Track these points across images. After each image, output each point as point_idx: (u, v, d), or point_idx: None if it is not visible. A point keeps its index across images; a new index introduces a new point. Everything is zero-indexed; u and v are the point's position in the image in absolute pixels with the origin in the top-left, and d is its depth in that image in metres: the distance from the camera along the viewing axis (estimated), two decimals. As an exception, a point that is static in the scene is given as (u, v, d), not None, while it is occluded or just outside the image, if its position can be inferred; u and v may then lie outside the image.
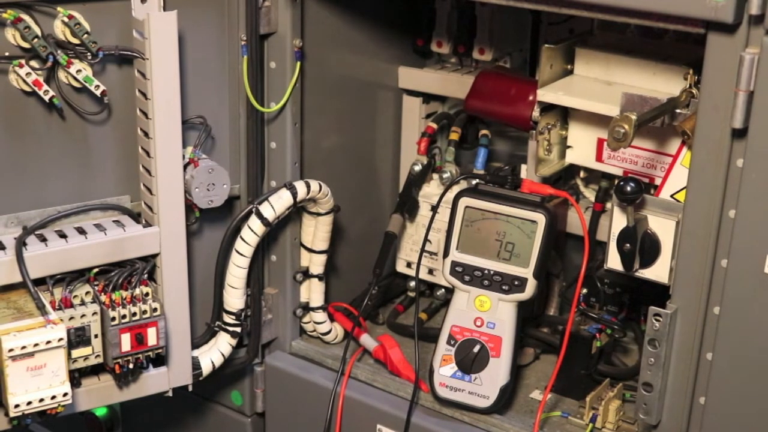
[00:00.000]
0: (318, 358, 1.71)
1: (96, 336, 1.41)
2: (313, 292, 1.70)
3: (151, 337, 1.43)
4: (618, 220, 1.37)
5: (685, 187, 1.28)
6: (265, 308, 1.69)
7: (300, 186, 1.57)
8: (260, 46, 1.55)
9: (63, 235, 1.40)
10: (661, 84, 1.43)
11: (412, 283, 1.81)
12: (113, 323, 1.39)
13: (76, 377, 1.43)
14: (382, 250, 1.68)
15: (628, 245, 1.37)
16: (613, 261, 1.40)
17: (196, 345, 1.59)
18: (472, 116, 1.74)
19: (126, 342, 1.41)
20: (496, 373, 1.51)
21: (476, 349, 1.51)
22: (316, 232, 1.65)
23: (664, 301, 1.32)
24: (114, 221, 1.47)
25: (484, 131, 1.74)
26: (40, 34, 1.27)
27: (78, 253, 1.40)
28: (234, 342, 1.62)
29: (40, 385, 1.30)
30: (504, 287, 1.50)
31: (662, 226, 1.36)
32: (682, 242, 1.29)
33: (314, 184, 1.58)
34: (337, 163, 1.73)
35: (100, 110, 1.42)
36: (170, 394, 1.55)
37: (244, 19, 1.51)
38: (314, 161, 1.67)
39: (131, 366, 1.44)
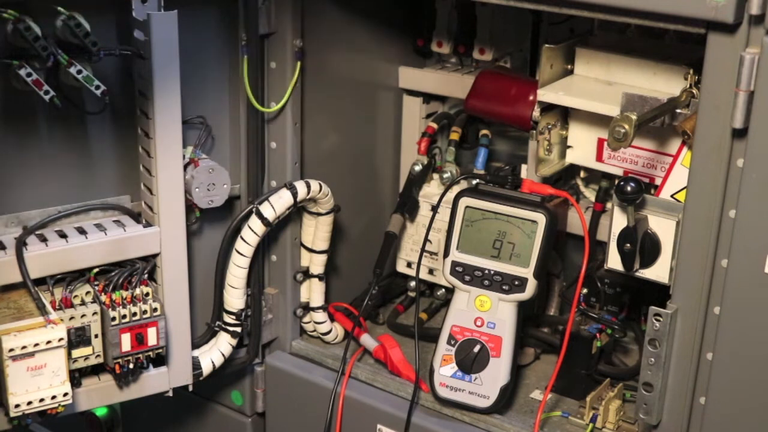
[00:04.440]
0: (318, 358, 1.71)
1: (96, 336, 1.41)
2: (313, 292, 1.70)
3: (152, 337, 1.43)
4: (618, 220, 1.37)
5: (685, 187, 1.28)
6: (265, 308, 1.69)
7: (300, 186, 1.57)
8: (260, 46, 1.55)
9: (63, 235, 1.40)
10: (662, 84, 1.43)
11: (413, 283, 1.81)
12: (113, 323, 1.39)
13: (76, 377, 1.43)
14: (383, 250, 1.68)
15: (628, 245, 1.37)
16: (614, 261, 1.40)
17: (196, 345, 1.59)
18: (472, 116, 1.74)
19: (126, 342, 1.41)
20: (497, 373, 1.51)
21: (476, 349, 1.51)
22: (316, 232, 1.65)
23: (664, 301, 1.32)
24: (114, 221, 1.47)
25: (484, 131, 1.74)
26: (40, 34, 1.27)
27: (78, 253, 1.40)
28: (234, 342, 1.62)
29: (40, 385, 1.30)
30: (504, 287, 1.50)
31: (662, 226, 1.36)
32: (683, 242, 1.29)
33: (314, 184, 1.58)
34: (337, 163, 1.73)
35: (101, 110, 1.41)
36: (170, 394, 1.55)
37: (244, 19, 1.51)
38: (314, 161, 1.67)
39: (131, 366, 1.44)
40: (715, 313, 1.28)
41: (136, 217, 1.49)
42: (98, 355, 1.42)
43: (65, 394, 1.31)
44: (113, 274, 1.43)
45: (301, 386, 1.69)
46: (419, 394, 1.58)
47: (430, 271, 1.77)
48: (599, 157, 1.55)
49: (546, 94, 1.48)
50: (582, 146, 1.56)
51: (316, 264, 1.68)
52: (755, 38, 1.15)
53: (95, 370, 1.47)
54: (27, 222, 1.41)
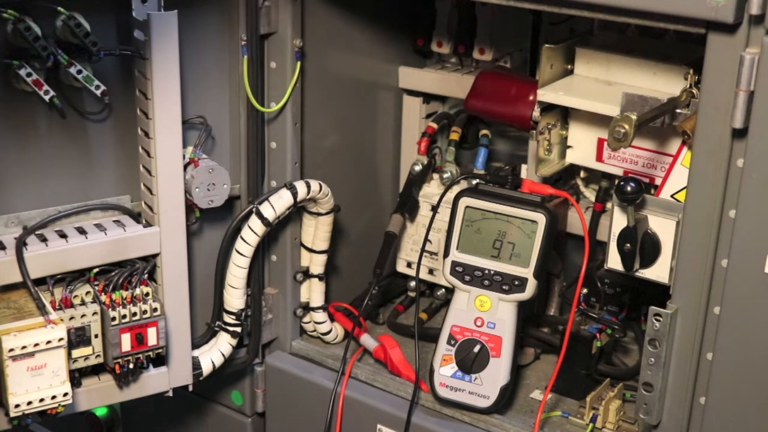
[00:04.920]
0: (318, 358, 1.71)
1: (96, 336, 1.41)
2: (313, 292, 1.70)
3: (152, 337, 1.43)
4: (618, 220, 1.37)
5: (685, 187, 1.28)
6: (265, 308, 1.69)
7: (300, 186, 1.57)
8: (260, 46, 1.55)
9: (63, 235, 1.40)
10: (662, 84, 1.43)
11: (413, 283, 1.81)
12: (113, 323, 1.39)
13: (76, 377, 1.43)
14: (383, 250, 1.68)
15: (628, 245, 1.37)
16: (614, 261, 1.40)
17: (196, 345, 1.59)
18: (472, 116, 1.74)
19: (126, 342, 1.41)
20: (497, 373, 1.51)
21: (476, 349, 1.51)
22: (316, 232, 1.65)
23: (664, 301, 1.32)
24: (114, 221, 1.47)
25: (484, 131, 1.74)
26: (40, 34, 1.27)
27: (78, 253, 1.40)
28: (234, 342, 1.62)
29: (40, 385, 1.30)
30: (504, 287, 1.50)
31: (662, 226, 1.36)
32: (683, 242, 1.29)
33: (314, 184, 1.58)
34: (337, 163, 1.73)
35: (101, 110, 1.42)
36: (170, 394, 1.55)
37: (244, 19, 1.51)
38: (314, 161, 1.67)
39: (131, 366, 1.44)
40: (715, 313, 1.28)
41: (136, 217, 1.49)
42: (98, 355, 1.42)
43: (65, 394, 1.31)
44: (113, 274, 1.43)
45: (301, 386, 1.69)
46: (419, 394, 1.58)
47: (430, 271, 1.77)
48: (599, 157, 1.55)
49: (546, 94, 1.48)
50: (582, 146, 1.56)
51: (316, 264, 1.68)
52: (755, 38, 1.15)
53: (95, 370, 1.47)
54: (27, 222, 1.41)
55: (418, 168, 1.72)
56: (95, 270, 1.42)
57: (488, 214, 1.52)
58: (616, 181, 1.43)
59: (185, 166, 1.48)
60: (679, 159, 1.40)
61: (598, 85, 1.51)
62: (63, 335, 1.29)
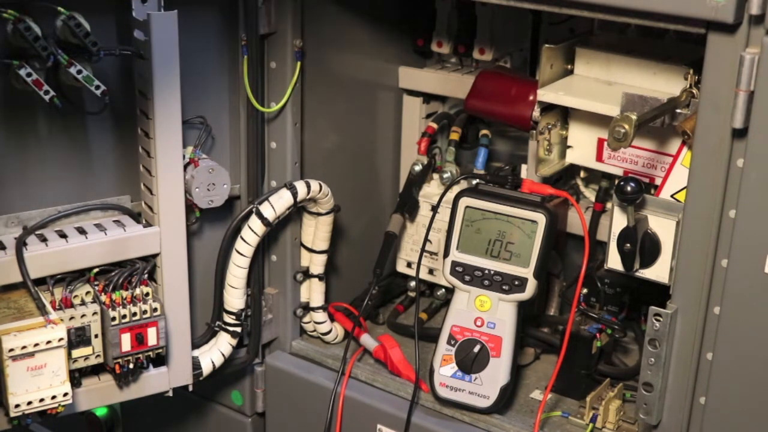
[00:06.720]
0: (318, 358, 1.71)
1: (96, 336, 1.41)
2: (313, 292, 1.70)
3: (152, 337, 1.43)
4: (618, 220, 1.37)
5: (685, 187, 1.28)
6: (265, 308, 1.69)
7: (300, 186, 1.57)
8: (260, 46, 1.55)
9: (63, 235, 1.40)
10: (662, 84, 1.43)
11: (413, 283, 1.81)
12: (113, 323, 1.39)
13: (76, 377, 1.43)
14: (383, 250, 1.68)
15: (628, 245, 1.37)
16: (614, 261, 1.40)
17: (196, 345, 1.59)
18: (472, 116, 1.74)
19: (126, 342, 1.41)
20: (497, 373, 1.51)
21: (476, 349, 1.51)
22: (316, 232, 1.65)
23: (664, 301, 1.32)
24: (114, 221, 1.47)
25: (484, 131, 1.74)
26: (40, 34, 1.27)
27: (78, 253, 1.40)
28: (234, 342, 1.62)
29: (40, 385, 1.30)
30: (504, 287, 1.50)
31: (662, 226, 1.36)
32: (683, 242, 1.29)
33: (314, 184, 1.58)
34: (337, 163, 1.73)
35: (101, 110, 1.41)
36: (170, 394, 1.55)
37: (244, 19, 1.51)
38: (314, 161, 1.67)
39: (131, 366, 1.44)
40: (715, 313, 1.28)
41: (136, 217, 1.49)
42: (98, 355, 1.42)
43: (65, 394, 1.31)
44: (113, 274, 1.43)
45: (301, 386, 1.69)
46: (419, 394, 1.58)
47: (430, 271, 1.77)
48: (599, 157, 1.55)
49: (546, 94, 1.48)
50: (582, 146, 1.56)
51: (316, 264, 1.68)
52: (755, 38, 1.15)
53: (95, 370, 1.47)
54: (27, 222, 1.41)
55: (418, 168, 1.72)
56: (95, 270, 1.42)
57: (488, 214, 1.52)
58: (616, 181, 1.43)
59: (185, 166, 1.48)
60: (679, 159, 1.40)
61: (598, 85, 1.51)
62: (63, 335, 1.29)
